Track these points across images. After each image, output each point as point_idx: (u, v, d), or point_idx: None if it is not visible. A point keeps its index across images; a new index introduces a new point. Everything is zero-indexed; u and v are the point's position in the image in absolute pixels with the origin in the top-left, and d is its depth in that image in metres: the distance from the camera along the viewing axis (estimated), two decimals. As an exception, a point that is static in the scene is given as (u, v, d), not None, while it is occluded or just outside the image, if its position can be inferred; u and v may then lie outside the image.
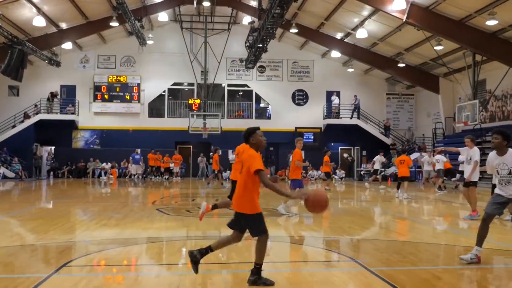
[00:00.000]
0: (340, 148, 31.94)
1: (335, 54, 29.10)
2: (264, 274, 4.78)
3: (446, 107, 27.76)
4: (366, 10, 22.63)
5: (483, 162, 8.40)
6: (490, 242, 7.44)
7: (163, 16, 28.17)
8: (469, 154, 10.10)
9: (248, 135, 4.80)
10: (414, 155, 26.22)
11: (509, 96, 23.64)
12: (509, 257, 6.57)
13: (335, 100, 31.11)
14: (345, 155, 32.15)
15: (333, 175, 25.14)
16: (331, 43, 28.28)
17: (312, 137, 31.08)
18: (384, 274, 5.15)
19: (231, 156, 28.34)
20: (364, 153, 31.21)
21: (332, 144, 30.73)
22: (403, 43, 25.30)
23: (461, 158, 14.87)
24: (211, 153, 20.57)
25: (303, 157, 12.20)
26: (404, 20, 20.85)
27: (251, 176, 4.63)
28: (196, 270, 4.72)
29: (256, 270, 4.72)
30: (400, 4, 19.70)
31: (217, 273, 5.40)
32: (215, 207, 8.57)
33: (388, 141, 30.47)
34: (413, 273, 5.40)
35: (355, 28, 24.85)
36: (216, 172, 21.14)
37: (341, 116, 30.85)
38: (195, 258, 4.68)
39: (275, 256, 6.55)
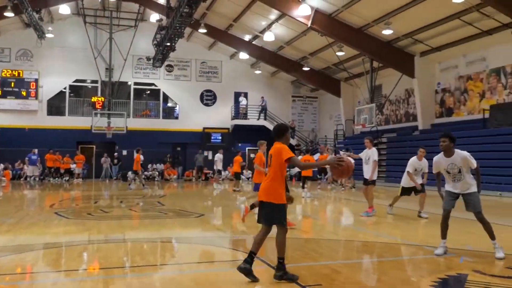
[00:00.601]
0: (247, 148, 32.39)
1: (243, 55, 29.49)
2: (168, 276, 4.72)
3: (346, 110, 29.28)
4: (274, 14, 23.19)
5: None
6: (383, 237, 7.98)
7: (64, 9, 26.62)
8: (367, 154, 10.74)
9: (285, 131, 5.09)
10: (317, 155, 27.33)
11: (401, 101, 25.49)
12: (400, 251, 7.07)
13: (242, 101, 31.54)
14: (252, 155, 32.67)
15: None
16: (239, 45, 28.61)
17: (220, 138, 31.22)
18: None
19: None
20: (270, 153, 31.94)
21: (240, 144, 31.09)
22: (308, 48, 26.28)
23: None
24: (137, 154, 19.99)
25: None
26: (308, 26, 21.66)
27: (280, 167, 4.90)
28: (254, 278, 4.86)
29: (280, 264, 4.88)
30: (305, 10, 20.44)
31: (121, 277, 5.23)
32: (252, 206, 8.80)
33: (293, 141, 31.45)
34: (314, 268, 5.62)
35: (262, 31, 25.35)
36: (138, 173, 20.63)
37: (248, 117, 31.33)
38: (246, 270, 4.85)
39: (181, 258, 6.49)
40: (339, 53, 24.21)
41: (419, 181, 10.21)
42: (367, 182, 10.68)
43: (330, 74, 29.26)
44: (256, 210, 9.64)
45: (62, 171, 25.66)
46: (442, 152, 6.24)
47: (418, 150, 10.13)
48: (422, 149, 10.07)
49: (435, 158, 6.36)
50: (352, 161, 5.28)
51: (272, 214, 4.94)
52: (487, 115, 18.55)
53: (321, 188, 20.24)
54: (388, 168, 23.10)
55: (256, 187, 11.02)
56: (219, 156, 24.06)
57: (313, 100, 34.26)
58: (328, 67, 28.03)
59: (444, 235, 6.35)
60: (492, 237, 6.11)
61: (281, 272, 4.89)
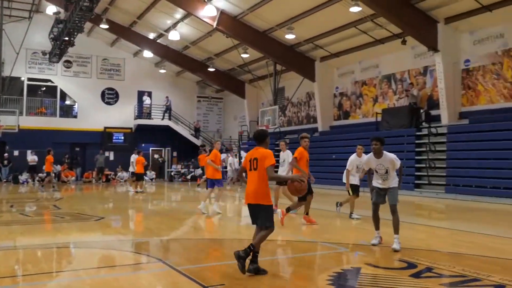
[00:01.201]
0: (151, 149, 31.71)
1: (148, 54, 28.80)
2: (64, 283, 4.48)
3: (250, 111, 29.79)
4: (179, 13, 22.93)
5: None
6: (285, 235, 8.24)
7: None
8: (283, 156, 11.18)
9: (265, 137, 5.43)
10: (222, 156, 27.49)
11: (303, 104, 26.49)
12: (298, 248, 7.35)
13: (146, 100, 30.80)
14: (156, 156, 32.05)
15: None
16: (143, 43, 27.90)
17: (122, 138, 30.25)
18: (190, 272, 5.30)
19: (30, 156, 25.87)
20: (174, 154, 31.61)
21: (143, 144, 30.32)
22: (213, 49, 26.34)
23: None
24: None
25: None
26: (214, 27, 21.72)
27: (265, 171, 5.20)
28: (243, 267, 5.11)
29: (255, 257, 5.23)
30: (211, 11, 20.47)
31: (11, 287, 4.88)
32: (288, 210, 8.83)
33: (198, 142, 31.36)
34: (218, 268, 5.67)
35: (167, 30, 24.96)
36: (50, 174, 19.60)
37: (152, 117, 30.67)
38: (256, 269, 5.19)
39: (78, 264, 6.19)
40: (244, 55, 24.56)
41: (357, 179, 10.21)
42: (281, 183, 10.94)
43: (235, 76, 29.58)
44: (292, 212, 9.77)
45: None
46: (372, 153, 6.79)
47: (356, 148, 10.01)
48: (360, 146, 10.01)
49: (366, 158, 6.98)
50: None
51: (263, 215, 5.29)
52: (379, 118, 19.87)
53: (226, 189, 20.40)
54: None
55: (211, 184, 11.36)
56: (135, 157, 23.25)
57: (218, 101, 34.42)
58: (233, 68, 28.32)
59: (377, 227, 6.99)
60: (397, 231, 6.67)
61: (255, 265, 5.22)
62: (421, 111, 18.41)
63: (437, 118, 17.61)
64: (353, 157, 10.04)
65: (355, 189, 10.18)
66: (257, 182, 5.25)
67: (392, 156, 6.76)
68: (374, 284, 4.95)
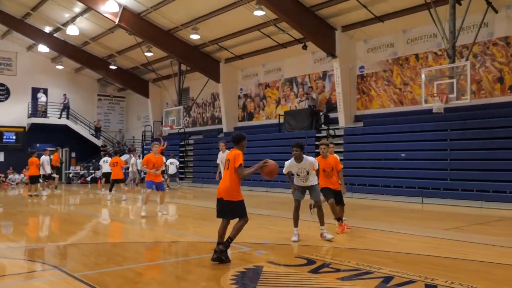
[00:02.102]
0: (48, 149, 29.79)
1: (43, 48, 27.02)
2: None
3: (154, 111, 29.20)
4: (78, 7, 21.83)
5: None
6: (188, 236, 8.21)
7: None
8: (224, 157, 11.05)
9: (242, 139, 6.08)
10: (125, 157, 26.68)
11: (208, 104, 26.52)
12: (203, 249, 7.37)
13: (42, 97, 28.93)
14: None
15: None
16: (38, 36, 26.15)
17: (14, 137, 28.17)
18: (88, 278, 5.09)
19: None
20: (73, 154, 30.03)
21: (38, 145, 28.35)
22: (115, 46, 25.44)
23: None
24: None
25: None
26: (116, 23, 20.99)
27: (235, 170, 5.78)
28: (227, 258, 5.82)
29: (228, 243, 5.83)
30: (113, 6, 19.75)
31: None
32: (339, 219, 8.27)
33: (98, 142, 30.10)
34: (118, 273, 5.50)
35: (65, 24, 23.65)
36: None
37: (48, 115, 28.88)
38: (221, 250, 5.78)
39: (-38, 274, 5.67)
40: (148, 54, 24.01)
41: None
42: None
43: (139, 74, 28.82)
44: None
45: None
46: (293, 159, 7.27)
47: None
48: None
49: (287, 162, 7.40)
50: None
51: (236, 210, 5.86)
52: (282, 120, 20.49)
53: (129, 190, 19.81)
54: (195, 169, 23.79)
55: (149, 185, 10.92)
56: (45, 158, 21.69)
57: (120, 100, 33.31)
58: (137, 67, 27.57)
59: (296, 224, 7.39)
60: (322, 223, 7.42)
61: (224, 249, 5.81)
62: (321, 113, 19.29)
63: (335, 121, 18.56)
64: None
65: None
66: (229, 180, 5.83)
67: (312, 159, 7.35)
68: (275, 281, 5.11)
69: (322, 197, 7.74)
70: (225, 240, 5.88)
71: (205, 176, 22.76)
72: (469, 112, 14.37)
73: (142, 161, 11.53)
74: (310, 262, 5.91)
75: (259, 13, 17.53)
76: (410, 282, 4.92)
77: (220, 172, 11.74)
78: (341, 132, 17.72)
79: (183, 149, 25.04)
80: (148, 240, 8.16)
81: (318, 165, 7.52)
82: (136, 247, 7.39)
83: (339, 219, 8.14)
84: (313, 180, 7.42)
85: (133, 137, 31.81)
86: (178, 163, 21.79)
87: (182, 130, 25.28)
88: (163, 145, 21.26)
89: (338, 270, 5.55)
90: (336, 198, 8.01)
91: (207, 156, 22.93)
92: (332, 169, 7.94)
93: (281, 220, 10.31)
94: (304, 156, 7.31)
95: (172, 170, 21.14)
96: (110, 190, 15.62)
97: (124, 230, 9.59)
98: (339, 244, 7.24)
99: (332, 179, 7.98)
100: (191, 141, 25.43)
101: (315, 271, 5.47)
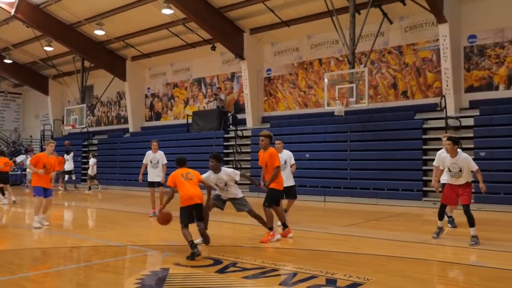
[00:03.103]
0: None
1: None
2: None
3: (55, 110, 27.62)
4: (-34, -6, 20.06)
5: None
6: (91, 241, 7.89)
7: None
8: (154, 158, 10.89)
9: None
10: (21, 157, 24.98)
11: (113, 103, 25.62)
12: (107, 253, 7.13)
13: None
14: None
15: None
16: None
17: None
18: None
19: None
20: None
21: None
22: (11, 38, 23.67)
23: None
24: None
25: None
26: (12, 14, 19.58)
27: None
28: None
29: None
30: (8, -4, 18.44)
31: None
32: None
33: (-9, 142, 27.88)
34: (11, 282, 5.14)
35: (-49, 12, 21.59)
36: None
37: None
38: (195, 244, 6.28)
39: None
40: (48, 48, 22.64)
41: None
42: (152, 184, 10.90)
43: (37, 70, 27.07)
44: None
45: None
46: (211, 170, 7.35)
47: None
48: (278, 141, 9.60)
49: (205, 175, 7.34)
50: None
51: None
52: (190, 120, 20.37)
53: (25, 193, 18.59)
54: (99, 170, 22.79)
55: (38, 192, 9.34)
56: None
57: (16, 97, 31.03)
58: (35, 61, 25.88)
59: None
60: (266, 225, 7.58)
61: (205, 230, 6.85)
62: (229, 114, 19.46)
63: (243, 122, 18.84)
64: None
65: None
66: (197, 186, 6.70)
67: (229, 171, 7.42)
68: (182, 283, 5.09)
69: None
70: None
71: (110, 177, 22.00)
72: (367, 115, 15.30)
73: (30, 160, 10.00)
74: (217, 262, 5.96)
75: (167, 11, 17.29)
76: (313, 277, 5.16)
77: (145, 174, 11.12)
78: (249, 133, 18.02)
79: (86, 149, 23.95)
80: (46, 246, 7.71)
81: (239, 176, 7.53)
82: (33, 253, 6.96)
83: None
84: (236, 193, 7.49)
85: (31, 136, 29.81)
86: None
87: (85, 130, 24.17)
88: (66, 158, 20.09)
89: (244, 269, 5.65)
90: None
91: (112, 157, 22.18)
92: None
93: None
94: (222, 168, 7.39)
95: (94, 171, 19.97)
96: (3, 194, 14.55)
97: (18, 236, 8.98)
98: (245, 243, 7.37)
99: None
100: (95, 141, 24.40)
101: (221, 271, 5.53)
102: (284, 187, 8.19)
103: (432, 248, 6.99)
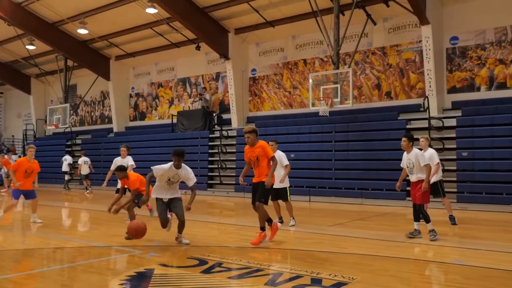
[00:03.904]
0: None
1: None
2: None
3: (37, 109, 27.28)
4: None
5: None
6: (75, 241, 7.81)
7: None
8: (125, 161, 10.51)
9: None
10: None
11: (97, 103, 25.39)
12: (92, 254, 7.07)
13: None
14: None
15: None
16: None
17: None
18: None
19: None
20: None
21: None
22: (-9, 36, 23.35)
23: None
24: None
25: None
26: (-8, 12, 19.30)
27: None
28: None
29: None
30: (-12, -7, 18.15)
31: None
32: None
33: (-29, 142, 27.42)
34: (-5, 284, 5.07)
35: None
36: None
37: None
38: None
39: None
40: (30, 47, 22.36)
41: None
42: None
43: (19, 69, 26.70)
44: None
45: None
46: (173, 164, 6.88)
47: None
48: (272, 141, 9.20)
49: (165, 166, 6.89)
50: None
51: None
52: (175, 120, 20.29)
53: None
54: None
55: (16, 194, 9.41)
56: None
57: (-3, 96, 30.60)
58: (17, 60, 25.51)
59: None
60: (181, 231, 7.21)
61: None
62: (214, 114, 19.43)
63: (228, 122, 18.82)
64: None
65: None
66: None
67: (190, 170, 7.08)
68: (167, 284, 5.07)
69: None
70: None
71: (94, 177, 21.73)
72: (351, 115, 15.41)
73: (11, 166, 9.95)
74: (202, 262, 5.94)
75: (151, 10, 17.22)
76: (298, 277, 5.18)
77: (109, 180, 11.03)
78: (234, 133, 18.01)
79: (70, 149, 23.68)
80: (29, 247, 7.61)
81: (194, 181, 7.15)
82: (15, 255, 6.86)
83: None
84: (177, 192, 7.17)
85: (13, 136, 29.39)
86: (90, 162, 19.71)
87: (68, 129, 23.90)
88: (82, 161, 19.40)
89: (229, 269, 5.65)
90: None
91: (96, 157, 21.95)
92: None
93: (173, 221, 10.22)
94: (183, 165, 7.01)
95: (85, 170, 19.29)
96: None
97: (1, 236, 8.84)
98: (230, 244, 7.36)
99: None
100: (79, 141, 24.15)
101: (207, 271, 5.52)
102: (274, 189, 8.11)
103: (416, 247, 7.08)
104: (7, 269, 5.97)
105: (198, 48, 19.17)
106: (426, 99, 13.96)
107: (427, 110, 13.70)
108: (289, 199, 9.10)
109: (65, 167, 20.80)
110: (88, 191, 18.69)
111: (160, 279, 5.20)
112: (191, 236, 7.48)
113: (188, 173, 7.03)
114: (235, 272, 5.56)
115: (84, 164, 19.40)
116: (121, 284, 4.97)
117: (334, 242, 7.54)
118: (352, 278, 5.11)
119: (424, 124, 13.71)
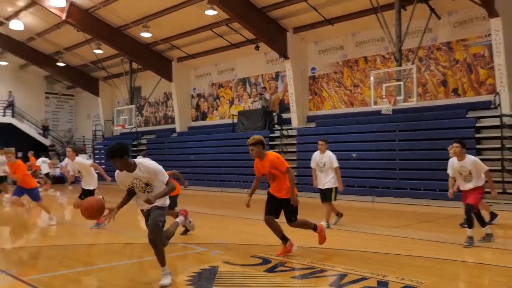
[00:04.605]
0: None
1: (-16, 43, 25.79)
2: None
3: (105, 110, 28.50)
4: (22, 0, 21.00)
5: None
6: (143, 238, 8.08)
7: None
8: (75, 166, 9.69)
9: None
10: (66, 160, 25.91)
11: (160, 104, 26.17)
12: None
13: (-16, 95, 27.61)
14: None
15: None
16: (-22, 30, 24.96)
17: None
18: (38, 282, 4.93)
19: None
20: (20, 154, 28.77)
21: (-21, 144, 27.11)
22: (63, 42, 24.61)
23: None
24: None
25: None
26: (63, 19, 20.35)
27: None
28: None
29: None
30: (59, 1, 19.09)
31: None
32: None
33: (46, 142, 29.07)
34: (69, 276, 5.35)
35: (9, 18, 22.67)
36: None
37: (-9, 113, 27.67)
38: None
39: None
40: (97, 51, 23.39)
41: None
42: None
43: (88, 72, 28.02)
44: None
45: None
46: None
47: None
48: (321, 141, 9.02)
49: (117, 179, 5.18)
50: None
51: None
52: (235, 120, 20.51)
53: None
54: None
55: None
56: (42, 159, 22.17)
57: (69, 98, 32.26)
58: (86, 64, 26.79)
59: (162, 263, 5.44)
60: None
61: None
62: (274, 114, 19.47)
63: (288, 121, 18.79)
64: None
65: None
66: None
67: (147, 163, 5.11)
68: (231, 281, 5.13)
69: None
70: None
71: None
72: (415, 113, 14.91)
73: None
74: (265, 261, 5.97)
75: (211, 12, 17.49)
76: (363, 279, 5.08)
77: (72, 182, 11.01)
78: (294, 133, 17.96)
79: (136, 149, 24.57)
80: (100, 242, 7.97)
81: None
82: (88, 249, 7.21)
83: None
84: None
85: (83, 136, 30.91)
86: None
87: (134, 130, 24.81)
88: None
89: (293, 269, 5.64)
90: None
91: (160, 156, 22.62)
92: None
93: (236, 220, 10.35)
94: (139, 161, 5.17)
95: None
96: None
97: (72, 232, 9.32)
98: (294, 243, 7.33)
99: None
100: (144, 141, 25.01)
101: (270, 270, 5.54)
102: (320, 189, 8.02)
103: (487, 252, 6.74)
104: (81, 262, 6.29)
105: (257, 48, 19.27)
106: (497, 95, 13.25)
107: (499, 107, 13.00)
108: (333, 199, 8.80)
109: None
110: None
111: (225, 276, 5.28)
112: (252, 235, 7.53)
113: (149, 171, 4.98)
114: (298, 272, 5.55)
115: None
116: (188, 280, 5.09)
117: (400, 244, 7.34)
118: (420, 282, 4.94)
119: (495, 122, 13.01)
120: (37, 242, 8.20)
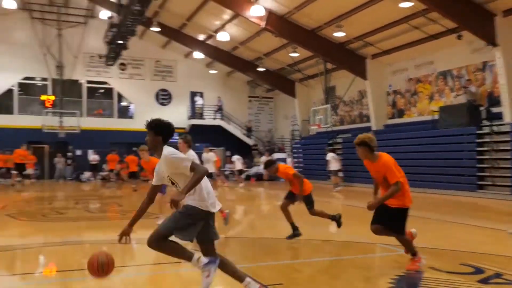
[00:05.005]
0: (204, 148, 32.15)
1: (198, 55, 29.25)
2: (128, 279, 4.61)
3: (302, 111, 29.62)
4: (227, 14, 23.13)
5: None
6: (341, 236, 8.15)
7: (9, 3, 25.23)
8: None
9: None
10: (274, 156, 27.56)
11: (355, 102, 26.08)
12: (357, 249, 7.26)
13: (198, 100, 31.36)
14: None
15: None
16: (193, 44, 28.35)
17: (178, 138, 30.86)
18: (249, 271, 5.34)
19: (91, 156, 26.82)
20: (228, 153, 31.89)
21: (197, 144, 30.78)
22: (262, 48, 26.38)
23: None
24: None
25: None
26: (262, 27, 21.77)
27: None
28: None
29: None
30: (259, 11, 20.48)
31: (79, 280, 5.09)
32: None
33: (250, 142, 31.55)
34: (275, 267, 5.68)
35: (216, 31, 25.26)
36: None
37: (204, 116, 31.19)
38: None
39: (140, 259, 6.36)
40: (293, 54, 24.45)
41: None
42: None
43: (285, 75, 29.51)
44: None
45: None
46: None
47: None
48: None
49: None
50: None
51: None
52: (436, 116, 19.21)
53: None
54: (346, 168, 23.37)
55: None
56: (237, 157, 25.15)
57: (269, 101, 34.49)
58: (283, 68, 28.26)
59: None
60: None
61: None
62: (481, 108, 17.65)
63: (499, 116, 16.83)
64: None
65: None
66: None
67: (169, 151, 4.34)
68: (439, 288, 4.80)
69: None
70: None
71: (358, 175, 22.13)
72: None
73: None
74: (478, 271, 5.43)
75: (405, 4, 16.71)
76: None
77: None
78: (507, 129, 15.99)
79: (331, 147, 24.95)
80: (300, 237, 8.28)
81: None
82: (289, 243, 7.55)
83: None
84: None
85: (282, 136, 32.69)
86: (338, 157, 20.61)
87: (330, 129, 25.24)
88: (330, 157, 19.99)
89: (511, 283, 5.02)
90: None
91: (356, 155, 22.55)
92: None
93: (443, 224, 9.68)
94: (165, 150, 4.37)
95: (334, 166, 20.15)
96: None
97: (276, 227, 9.88)
98: (509, 253, 6.53)
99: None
100: (339, 140, 25.24)
101: (484, 281, 5.00)
102: None
103: None
104: (285, 255, 6.62)
105: (459, 37, 17.72)
106: None
107: None
108: None
109: (333, 166, 20.69)
110: (337, 188, 19.32)
111: (431, 283, 4.97)
112: (459, 241, 6.94)
113: (172, 161, 4.20)
114: (518, 285, 4.91)
115: (332, 159, 20.08)
116: (390, 283, 4.93)
117: None
118: None
119: None
120: (247, 233, 8.91)
